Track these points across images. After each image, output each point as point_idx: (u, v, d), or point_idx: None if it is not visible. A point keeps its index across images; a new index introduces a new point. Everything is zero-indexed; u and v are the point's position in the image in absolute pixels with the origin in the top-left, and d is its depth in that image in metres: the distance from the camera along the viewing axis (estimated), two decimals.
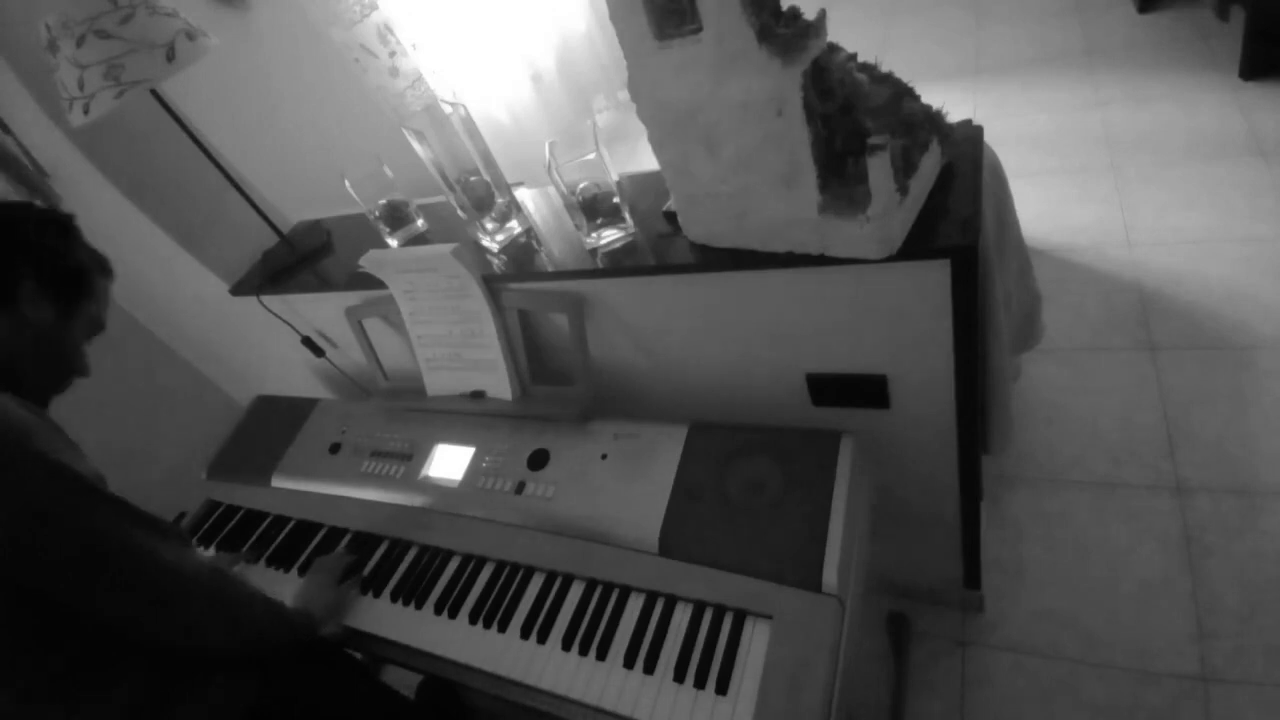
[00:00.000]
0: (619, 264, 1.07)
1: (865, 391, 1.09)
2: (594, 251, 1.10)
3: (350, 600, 1.14)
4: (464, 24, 2.57)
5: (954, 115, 0.93)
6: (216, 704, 0.88)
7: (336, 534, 1.27)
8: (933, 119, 0.89)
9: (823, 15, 0.77)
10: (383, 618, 1.12)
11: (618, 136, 2.92)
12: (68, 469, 0.75)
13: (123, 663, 0.81)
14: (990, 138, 1.01)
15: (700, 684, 0.88)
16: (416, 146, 1.14)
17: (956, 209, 0.87)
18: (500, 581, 1.09)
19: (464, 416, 1.29)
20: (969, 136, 0.95)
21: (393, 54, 2.21)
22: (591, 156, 1.03)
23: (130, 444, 1.71)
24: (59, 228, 0.92)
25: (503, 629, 1.03)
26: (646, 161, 0.98)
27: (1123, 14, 2.84)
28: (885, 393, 1.08)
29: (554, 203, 1.28)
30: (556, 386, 1.23)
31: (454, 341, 1.26)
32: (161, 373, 1.83)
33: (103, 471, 0.81)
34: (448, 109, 1.14)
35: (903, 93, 0.89)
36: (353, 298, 1.35)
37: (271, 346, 1.62)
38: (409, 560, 1.18)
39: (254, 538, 1.33)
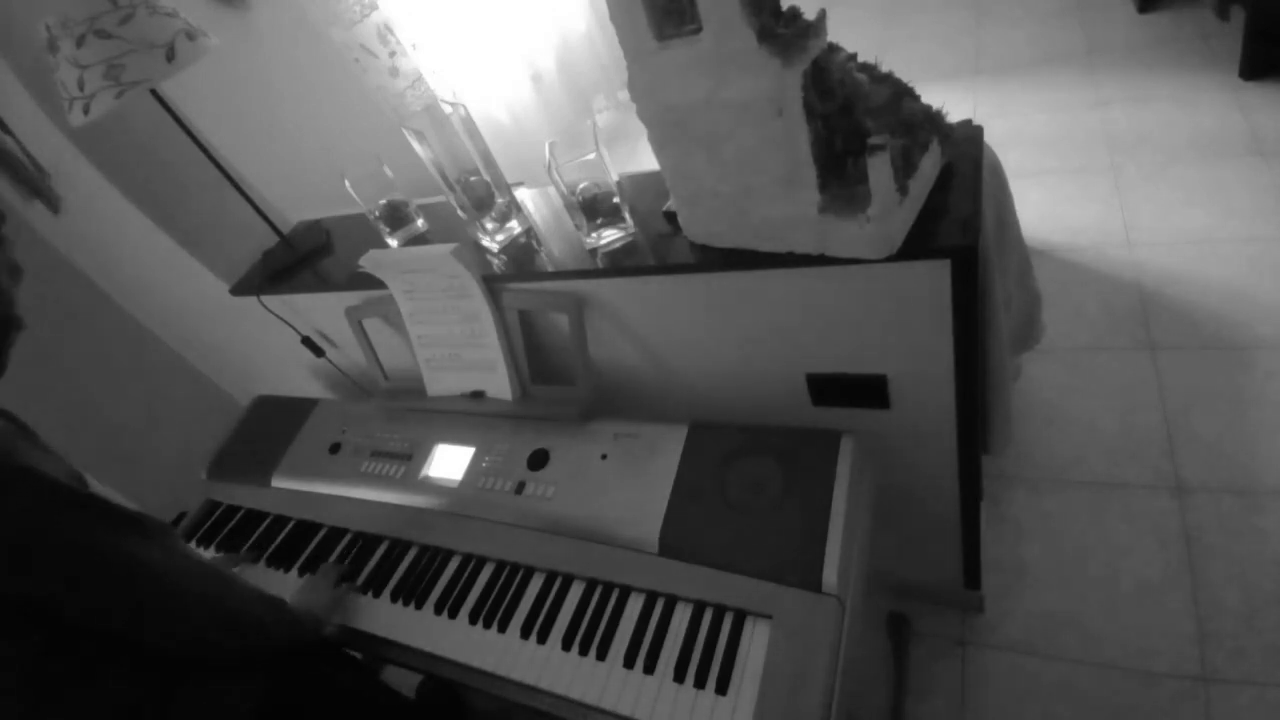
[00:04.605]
0: (619, 264, 1.07)
1: (865, 391, 1.09)
2: (594, 251, 1.10)
3: (347, 601, 1.14)
4: (464, 24, 2.57)
5: (954, 115, 0.93)
6: (222, 705, 0.88)
7: (336, 534, 1.28)
8: (933, 119, 0.89)
9: (823, 15, 0.77)
10: (383, 618, 1.12)
11: (618, 136, 2.92)
12: (37, 474, 0.72)
13: (124, 665, 0.81)
14: (990, 138, 1.01)
15: (700, 684, 0.88)
16: (416, 146, 1.14)
17: (956, 209, 0.87)
18: (500, 581, 1.09)
19: (464, 416, 1.29)
20: (969, 136, 0.95)
21: (393, 54, 2.21)
22: (591, 156, 1.03)
23: (130, 444, 1.71)
24: None
25: (503, 629, 1.03)
26: (646, 161, 0.98)
27: (1123, 14, 2.84)
28: (885, 393, 1.08)
29: (554, 203, 1.28)
30: (556, 386, 1.23)
31: (454, 341, 1.26)
32: (161, 373, 1.83)
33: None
34: (448, 109, 1.14)
35: (903, 93, 0.89)
36: (353, 298, 1.35)
37: (271, 346, 1.62)
38: (409, 560, 1.18)
39: (254, 538, 1.33)
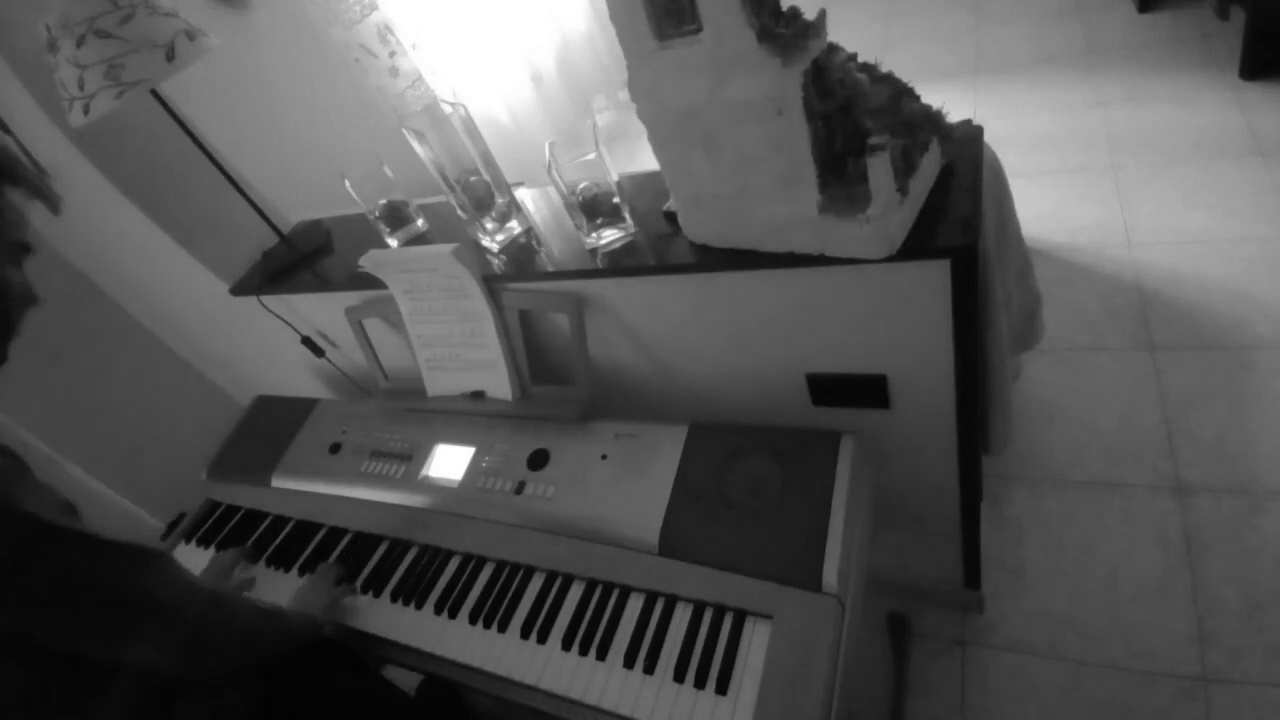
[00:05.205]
0: (619, 264, 1.07)
1: (865, 391, 1.09)
2: (594, 251, 1.10)
3: (346, 601, 1.14)
4: (464, 24, 2.57)
5: (954, 115, 0.93)
6: (224, 704, 0.88)
7: (336, 534, 1.27)
8: (933, 119, 0.89)
9: (823, 15, 0.77)
10: (383, 618, 1.12)
11: (618, 136, 2.92)
12: (29, 516, 0.71)
13: (123, 686, 0.81)
14: (990, 138, 1.01)
15: (700, 684, 0.88)
16: (416, 146, 1.14)
17: (956, 209, 0.87)
18: (500, 581, 1.09)
19: (464, 416, 1.29)
20: (969, 136, 0.95)
21: (393, 54, 2.21)
22: (591, 156, 1.03)
23: (130, 444, 1.71)
24: None
25: (503, 629, 1.03)
26: (646, 161, 0.98)
27: (1123, 14, 2.84)
28: (885, 393, 1.08)
29: (554, 203, 1.28)
30: (556, 386, 1.23)
31: (454, 341, 1.26)
32: (161, 373, 1.83)
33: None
34: (448, 109, 1.14)
35: (903, 93, 0.89)
36: (353, 298, 1.35)
37: (271, 346, 1.62)
38: (409, 560, 1.18)
39: (254, 538, 1.33)
